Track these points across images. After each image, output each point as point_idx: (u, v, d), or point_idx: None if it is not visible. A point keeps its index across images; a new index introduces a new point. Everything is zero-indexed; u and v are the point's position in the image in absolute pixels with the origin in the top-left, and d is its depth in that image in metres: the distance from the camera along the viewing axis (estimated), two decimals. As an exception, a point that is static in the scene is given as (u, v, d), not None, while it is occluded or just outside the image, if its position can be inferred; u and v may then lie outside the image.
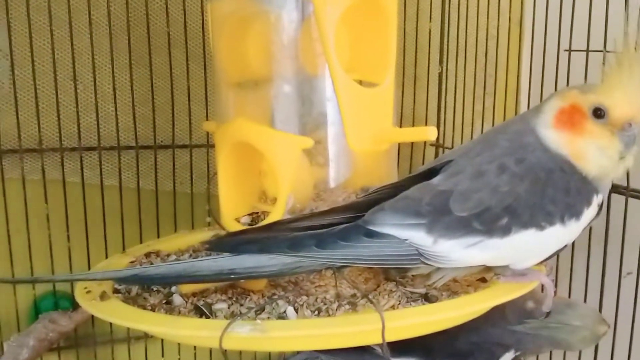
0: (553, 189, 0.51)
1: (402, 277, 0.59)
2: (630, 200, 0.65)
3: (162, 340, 0.83)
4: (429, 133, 0.54)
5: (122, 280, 0.54)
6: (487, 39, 0.86)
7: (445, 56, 0.93)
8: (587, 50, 0.67)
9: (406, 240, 0.50)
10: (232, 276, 0.50)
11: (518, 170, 0.51)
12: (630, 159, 0.53)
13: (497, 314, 0.64)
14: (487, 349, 0.69)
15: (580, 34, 0.69)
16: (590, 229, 0.69)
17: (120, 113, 0.78)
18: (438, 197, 0.51)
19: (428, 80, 0.94)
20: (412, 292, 0.56)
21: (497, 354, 0.69)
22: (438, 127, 0.94)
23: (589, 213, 0.53)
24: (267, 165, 0.59)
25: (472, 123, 0.90)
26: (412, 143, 0.93)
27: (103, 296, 0.53)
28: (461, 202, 0.51)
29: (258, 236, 0.51)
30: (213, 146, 0.68)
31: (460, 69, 0.90)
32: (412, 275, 0.58)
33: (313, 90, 0.58)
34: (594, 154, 0.52)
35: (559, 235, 0.52)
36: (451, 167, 0.54)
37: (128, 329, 0.80)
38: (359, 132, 0.56)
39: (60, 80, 0.76)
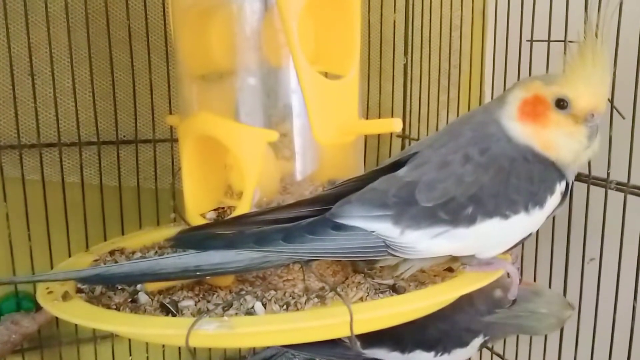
0: (516, 178, 0.51)
1: (370, 269, 0.59)
2: (592, 187, 0.66)
3: (130, 339, 0.82)
4: (394, 124, 0.54)
5: (85, 280, 0.52)
6: (450, 30, 0.87)
7: (410, 47, 0.93)
8: (549, 41, 0.68)
9: (373, 232, 0.50)
10: (198, 273, 0.49)
11: (482, 160, 0.52)
12: (594, 147, 0.54)
13: (465, 301, 0.66)
14: (456, 335, 0.70)
15: (541, 24, 0.70)
16: (554, 217, 0.70)
17: (80, 108, 0.76)
18: (404, 188, 0.51)
19: (393, 72, 0.94)
20: (380, 284, 0.56)
21: (465, 340, 0.70)
22: (404, 118, 0.95)
23: (553, 201, 0.53)
24: (233, 159, 0.59)
25: (438, 114, 0.91)
26: (379, 135, 0.93)
27: (65, 296, 0.51)
28: (427, 192, 0.51)
29: (224, 231, 0.50)
30: (177, 140, 0.67)
31: (425, 60, 0.90)
32: (380, 267, 0.58)
33: (277, 82, 0.58)
34: (562, 143, 0.53)
35: (524, 223, 0.52)
36: (417, 158, 0.54)
37: (94, 328, 0.78)
38: (324, 125, 0.56)
39: (17, 75, 0.73)
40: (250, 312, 0.50)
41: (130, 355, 0.84)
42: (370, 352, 0.70)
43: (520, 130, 0.53)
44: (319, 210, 0.52)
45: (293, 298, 0.53)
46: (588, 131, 0.52)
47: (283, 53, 0.56)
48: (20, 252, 0.75)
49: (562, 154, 0.53)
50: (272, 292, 0.54)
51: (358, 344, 0.46)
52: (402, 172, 0.53)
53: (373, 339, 0.68)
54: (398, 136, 0.95)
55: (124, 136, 0.81)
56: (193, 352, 0.44)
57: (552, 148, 0.53)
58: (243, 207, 0.55)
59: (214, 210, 0.60)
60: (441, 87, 0.90)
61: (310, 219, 0.51)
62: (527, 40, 0.72)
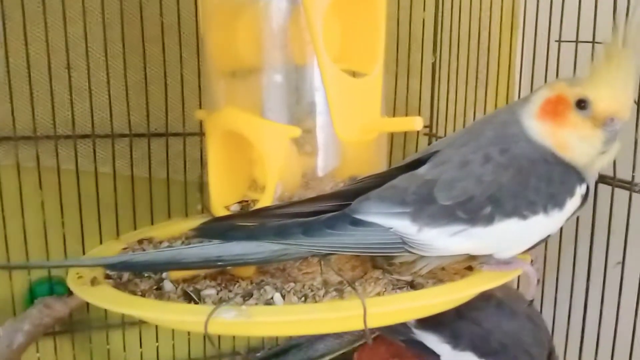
0: (536, 179, 0.51)
1: (389, 265, 0.60)
2: (617, 190, 0.65)
3: (157, 326, 0.84)
4: (415, 123, 0.55)
5: (111, 266, 0.54)
6: (479, 29, 0.86)
7: (438, 46, 0.93)
8: (577, 42, 0.68)
9: (391, 228, 0.51)
10: (220, 263, 0.51)
11: (502, 160, 0.52)
12: (612, 153, 0.53)
13: (534, 326, 0.66)
14: (513, 353, 0.68)
15: (570, 25, 0.69)
16: (577, 219, 0.70)
17: (114, 101, 0.78)
18: (423, 186, 0.52)
19: (421, 70, 0.94)
20: (398, 280, 0.57)
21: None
22: (431, 116, 0.95)
23: (573, 203, 0.53)
24: (257, 154, 0.60)
25: (465, 113, 0.91)
26: (405, 132, 0.94)
27: (94, 281, 0.54)
28: (446, 191, 0.51)
29: (246, 223, 0.52)
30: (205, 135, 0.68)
31: (454, 59, 0.90)
32: (400, 263, 0.58)
33: (302, 79, 0.59)
34: (576, 144, 0.52)
35: (542, 224, 0.52)
36: (437, 157, 0.55)
37: (123, 314, 0.81)
38: (346, 122, 0.56)
39: (54, 68, 0.76)
40: (269, 302, 0.52)
41: (157, 341, 0.87)
42: (420, 334, 0.69)
43: (538, 128, 0.53)
44: (338, 205, 0.53)
45: (312, 290, 0.54)
46: (605, 136, 0.52)
47: (308, 51, 0.57)
48: (55, 239, 0.78)
49: (575, 156, 0.53)
50: (292, 284, 0.55)
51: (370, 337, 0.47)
52: (422, 170, 0.54)
53: (430, 322, 0.68)
54: (425, 134, 0.96)
55: (155, 129, 0.83)
56: (212, 339, 0.46)
57: (567, 149, 0.52)
58: (265, 201, 0.57)
59: (238, 203, 0.61)
60: (469, 86, 0.90)
61: (329, 214, 0.52)
62: (556, 41, 0.71)
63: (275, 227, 0.50)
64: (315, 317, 0.47)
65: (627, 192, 0.64)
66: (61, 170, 0.78)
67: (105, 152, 0.81)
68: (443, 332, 0.68)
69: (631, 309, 0.64)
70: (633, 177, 0.63)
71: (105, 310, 0.79)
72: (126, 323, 0.85)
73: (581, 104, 0.52)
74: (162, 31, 0.79)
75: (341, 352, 0.79)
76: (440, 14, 0.92)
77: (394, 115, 0.91)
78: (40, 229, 0.77)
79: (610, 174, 0.65)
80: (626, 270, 0.65)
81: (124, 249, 0.65)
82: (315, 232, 0.50)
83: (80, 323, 0.83)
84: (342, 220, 0.51)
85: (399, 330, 0.70)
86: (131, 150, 0.81)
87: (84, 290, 0.52)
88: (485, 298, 0.68)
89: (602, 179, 0.65)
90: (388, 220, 0.51)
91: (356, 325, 0.49)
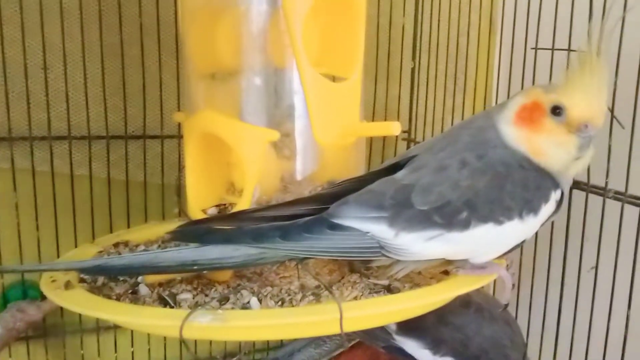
0: (512, 185, 0.52)
1: (366, 269, 0.60)
2: (590, 196, 0.66)
3: (132, 331, 0.83)
4: (394, 128, 0.55)
5: (86, 270, 0.54)
6: (458, 36, 0.87)
7: (417, 51, 0.94)
8: (553, 49, 0.69)
9: (368, 233, 0.51)
10: (196, 267, 0.50)
11: (478, 166, 0.52)
12: (586, 159, 0.54)
13: (512, 333, 0.66)
14: (492, 357, 0.69)
15: (547, 33, 0.71)
16: (552, 224, 0.71)
17: (91, 102, 0.78)
18: (401, 190, 0.52)
19: (401, 75, 0.95)
20: (375, 284, 0.57)
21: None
22: (410, 121, 0.96)
23: (547, 209, 0.54)
24: (235, 157, 0.60)
25: (443, 118, 0.92)
26: (384, 137, 0.94)
27: (68, 285, 0.53)
28: (423, 195, 0.52)
29: (222, 226, 0.51)
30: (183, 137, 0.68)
31: (433, 65, 0.91)
32: (377, 267, 0.59)
33: (281, 82, 0.59)
34: (551, 150, 0.53)
35: (517, 230, 0.53)
36: (415, 161, 0.55)
37: (97, 319, 0.80)
38: (325, 126, 0.57)
39: (30, 69, 0.75)
40: (246, 306, 0.52)
41: (132, 346, 0.86)
42: (400, 340, 0.70)
43: (514, 134, 0.54)
44: (316, 209, 0.53)
45: (289, 295, 0.54)
46: (579, 142, 0.52)
47: (287, 54, 0.57)
48: (28, 241, 0.76)
49: (550, 162, 0.53)
50: (269, 288, 0.55)
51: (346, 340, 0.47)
52: (399, 174, 0.54)
53: (410, 328, 0.68)
54: (404, 139, 0.96)
55: (133, 131, 0.82)
56: (188, 344, 0.45)
57: (542, 154, 0.53)
58: (243, 204, 0.56)
59: (216, 206, 0.61)
60: (447, 92, 0.91)
61: (307, 218, 0.51)
62: (532, 48, 0.72)
63: (253, 230, 0.50)
64: (292, 321, 0.47)
65: (600, 198, 0.65)
66: (36, 172, 0.77)
67: (81, 154, 0.80)
68: (424, 338, 0.69)
69: (604, 313, 0.65)
70: (607, 183, 0.64)
71: (80, 314, 0.78)
72: (101, 327, 0.84)
73: (556, 111, 0.52)
74: (140, 33, 0.79)
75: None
76: (419, 20, 0.93)
77: (373, 120, 0.91)
78: (14, 231, 0.76)
79: (584, 180, 0.66)
80: (599, 275, 0.66)
81: (100, 252, 0.65)
82: (293, 236, 0.50)
83: (53, 328, 0.82)
84: (320, 224, 0.51)
85: (379, 337, 0.70)
86: (108, 153, 0.80)
87: (57, 295, 0.51)
88: (464, 303, 0.69)
89: (576, 184, 0.66)
90: (366, 225, 0.51)
91: (333, 329, 0.49)
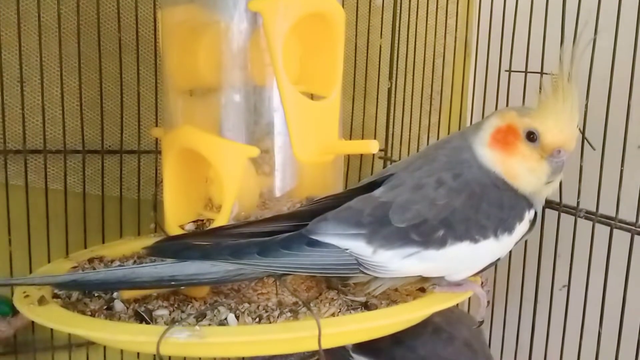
0: (487, 204, 0.53)
1: (344, 286, 0.60)
2: (563, 215, 0.68)
3: (105, 347, 0.82)
4: (371, 146, 0.56)
5: (61, 285, 0.53)
6: (434, 57, 0.89)
7: (394, 72, 0.95)
8: (526, 72, 0.71)
9: (347, 249, 0.51)
10: (173, 283, 0.50)
11: (455, 185, 0.53)
12: (556, 182, 0.55)
13: (466, 346, 0.67)
14: None
15: (520, 56, 0.72)
16: (525, 243, 0.72)
17: (67, 116, 0.77)
18: (379, 208, 0.53)
19: (378, 95, 0.96)
20: (352, 301, 0.57)
21: None
22: (386, 140, 0.97)
23: (521, 228, 0.55)
24: (214, 173, 0.60)
25: (419, 137, 0.93)
26: (361, 155, 0.95)
27: (41, 301, 0.52)
28: (400, 213, 0.52)
29: (200, 242, 0.51)
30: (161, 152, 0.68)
31: (409, 85, 0.93)
32: (354, 284, 0.59)
33: (261, 100, 0.59)
34: (524, 174, 0.54)
35: (492, 248, 0.54)
36: (392, 180, 0.56)
37: (69, 335, 0.79)
38: (304, 143, 0.57)
39: (6, 82, 0.74)
40: (223, 323, 0.51)
41: (105, 363, 0.84)
42: (357, 358, 0.69)
43: (489, 156, 0.55)
44: (295, 225, 0.53)
45: (266, 311, 0.54)
46: (552, 168, 0.54)
47: (267, 72, 0.58)
48: (0, 256, 0.75)
49: (522, 185, 0.55)
50: (246, 304, 0.55)
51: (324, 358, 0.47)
52: (377, 192, 0.55)
53: (367, 347, 0.67)
54: (380, 158, 0.97)
55: (109, 146, 0.81)
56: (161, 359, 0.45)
57: (515, 177, 0.54)
58: (221, 220, 0.56)
59: (193, 222, 0.61)
60: (423, 112, 0.93)
61: (286, 234, 0.52)
62: (506, 71, 0.74)
63: (231, 246, 0.50)
64: (269, 337, 0.47)
65: (572, 217, 0.67)
66: (10, 185, 0.76)
67: (56, 168, 0.79)
68: (379, 357, 0.69)
69: (577, 330, 0.66)
70: (578, 202, 0.66)
71: (52, 330, 0.77)
72: (73, 344, 0.83)
73: (530, 136, 0.54)
74: (119, 47, 0.79)
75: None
76: (396, 42, 0.95)
77: (350, 138, 0.92)
78: (-15, 246, 0.75)
79: (557, 199, 0.68)
80: (571, 293, 0.67)
81: (74, 267, 0.64)
82: (271, 252, 0.50)
83: (25, 344, 0.80)
84: (298, 241, 0.51)
85: (338, 353, 0.70)
86: (84, 167, 0.80)
87: (31, 310, 0.50)
88: (422, 324, 0.69)
89: (548, 204, 0.68)
90: (344, 242, 0.51)
91: (310, 345, 0.49)
